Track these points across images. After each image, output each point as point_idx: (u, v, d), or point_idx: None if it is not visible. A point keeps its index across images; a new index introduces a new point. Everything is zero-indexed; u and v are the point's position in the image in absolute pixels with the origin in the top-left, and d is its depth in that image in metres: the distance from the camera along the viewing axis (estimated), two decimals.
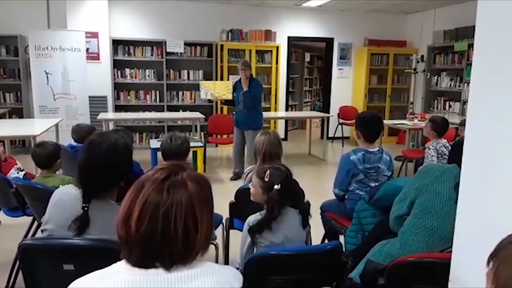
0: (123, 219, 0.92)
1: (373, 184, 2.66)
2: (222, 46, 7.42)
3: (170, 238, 0.90)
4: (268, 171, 1.91)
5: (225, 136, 6.70)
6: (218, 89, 5.40)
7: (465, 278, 1.34)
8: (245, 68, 5.08)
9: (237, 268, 1.87)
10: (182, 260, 0.92)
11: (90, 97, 6.48)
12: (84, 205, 1.52)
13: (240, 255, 1.98)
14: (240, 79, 5.21)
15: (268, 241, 1.87)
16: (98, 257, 1.34)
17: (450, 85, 7.33)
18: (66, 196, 1.60)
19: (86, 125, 3.85)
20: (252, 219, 1.92)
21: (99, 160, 1.57)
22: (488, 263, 0.83)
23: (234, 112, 5.53)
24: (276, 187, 1.86)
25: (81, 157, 1.62)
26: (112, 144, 1.61)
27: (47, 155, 2.69)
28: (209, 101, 6.86)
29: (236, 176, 5.40)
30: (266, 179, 1.89)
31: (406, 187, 1.90)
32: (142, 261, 0.91)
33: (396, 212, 1.87)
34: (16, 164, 3.13)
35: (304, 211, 1.98)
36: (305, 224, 1.97)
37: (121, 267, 0.93)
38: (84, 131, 3.59)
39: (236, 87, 5.32)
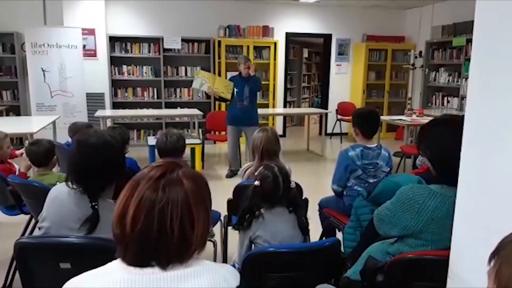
0: (118, 218, 0.91)
1: (371, 180, 2.65)
2: (219, 42, 7.39)
3: (166, 237, 0.89)
4: (261, 168, 1.98)
5: (223, 133, 6.67)
6: (217, 85, 5.21)
7: (464, 274, 1.34)
8: (247, 61, 5.07)
9: (234, 266, 1.87)
10: (178, 259, 0.91)
11: (87, 94, 6.45)
12: (93, 204, 1.51)
13: (238, 254, 1.98)
14: (239, 74, 5.17)
15: (265, 241, 1.87)
16: (95, 255, 1.33)
17: (448, 81, 7.32)
18: (62, 194, 1.59)
19: (83, 123, 3.83)
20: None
21: (92, 157, 1.57)
22: (489, 261, 0.80)
23: (230, 109, 5.35)
24: (256, 183, 1.92)
25: (73, 158, 1.62)
26: (100, 138, 1.61)
27: (43, 153, 2.67)
28: (207, 95, 6.82)
29: (232, 174, 5.38)
30: (256, 173, 1.97)
31: (388, 207, 1.68)
32: (137, 260, 0.90)
33: (385, 233, 1.74)
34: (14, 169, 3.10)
35: (298, 212, 1.96)
36: (303, 230, 1.94)
37: (117, 266, 0.92)
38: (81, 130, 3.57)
39: (235, 83, 5.18)
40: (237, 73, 5.37)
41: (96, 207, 1.51)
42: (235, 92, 5.14)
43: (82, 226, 1.49)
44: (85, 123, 3.90)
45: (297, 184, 2.56)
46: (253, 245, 1.92)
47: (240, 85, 5.14)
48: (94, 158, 1.57)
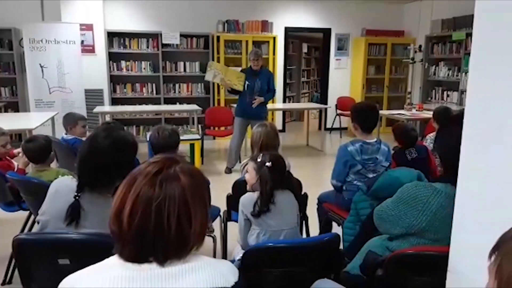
0: (115, 214, 0.91)
1: (371, 175, 2.64)
2: (218, 37, 7.36)
3: (163, 233, 0.88)
4: (261, 154, 2.07)
5: (222, 128, 6.67)
6: (229, 76, 5.12)
7: (464, 269, 1.34)
8: (255, 58, 5.03)
9: (233, 261, 1.88)
10: (176, 255, 0.91)
11: (86, 90, 6.43)
12: (76, 194, 1.51)
13: (240, 237, 2.07)
14: (250, 67, 5.13)
15: (266, 223, 1.94)
16: (93, 251, 1.32)
17: (448, 75, 7.30)
18: (63, 187, 1.59)
19: (76, 114, 3.79)
20: (246, 199, 2.01)
21: (103, 154, 1.56)
22: (489, 257, 0.79)
23: (239, 102, 5.26)
24: (267, 164, 1.97)
25: (83, 148, 1.61)
26: (119, 140, 1.59)
27: (39, 150, 2.65)
28: (206, 91, 6.79)
29: (229, 171, 5.36)
30: (259, 159, 2.02)
31: (390, 206, 1.66)
32: (135, 256, 0.90)
33: (386, 232, 1.73)
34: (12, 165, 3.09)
35: (297, 193, 2.09)
36: (302, 208, 2.09)
37: (114, 262, 0.92)
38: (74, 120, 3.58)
39: (248, 76, 5.09)
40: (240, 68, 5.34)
41: (77, 197, 1.50)
42: (246, 86, 5.07)
43: (65, 216, 1.48)
44: (79, 114, 3.85)
45: (296, 179, 2.56)
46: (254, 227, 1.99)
47: (251, 79, 5.07)
48: (103, 155, 1.56)
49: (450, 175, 1.46)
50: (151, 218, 0.88)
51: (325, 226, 2.89)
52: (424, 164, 2.98)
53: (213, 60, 7.31)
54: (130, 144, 1.63)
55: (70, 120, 3.60)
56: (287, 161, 2.76)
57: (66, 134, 3.57)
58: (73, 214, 1.50)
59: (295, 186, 2.16)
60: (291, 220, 2.00)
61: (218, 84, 5.69)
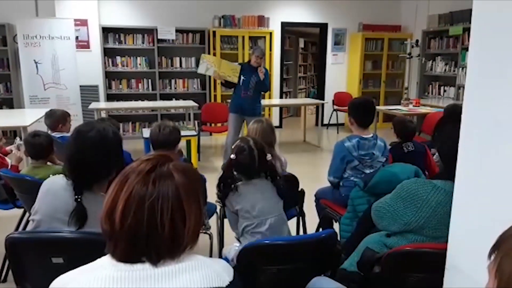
0: (107, 213, 0.88)
1: (368, 171, 2.63)
2: (214, 32, 7.31)
3: (156, 232, 0.86)
4: (238, 141, 2.11)
5: (219, 124, 6.64)
6: (223, 69, 5.06)
7: (462, 266, 1.33)
8: (259, 56, 4.97)
9: (227, 260, 1.86)
10: (169, 255, 0.89)
11: (81, 86, 6.38)
12: (76, 197, 1.48)
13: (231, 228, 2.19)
14: (249, 62, 5.08)
15: (246, 212, 1.99)
16: (87, 250, 1.31)
17: (445, 70, 7.29)
18: (55, 186, 1.56)
19: (60, 111, 3.74)
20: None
21: (89, 150, 1.53)
22: (489, 256, 0.78)
23: (233, 97, 5.22)
24: (232, 156, 2.04)
25: (69, 148, 1.58)
26: (101, 132, 1.57)
27: (46, 145, 2.60)
28: (202, 86, 6.74)
29: None
30: (232, 147, 2.11)
31: (389, 202, 1.65)
32: (127, 256, 0.88)
33: (384, 229, 1.72)
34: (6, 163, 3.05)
35: (275, 181, 2.09)
36: (281, 195, 2.08)
37: (106, 262, 0.90)
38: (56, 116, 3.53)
39: (245, 70, 5.03)
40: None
41: (79, 200, 1.48)
42: (241, 81, 4.99)
43: (71, 220, 1.46)
44: (62, 110, 3.79)
45: (293, 175, 2.55)
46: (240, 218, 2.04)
47: (247, 74, 4.98)
48: (90, 152, 1.54)
49: (450, 172, 1.44)
50: (144, 217, 0.86)
51: (324, 222, 2.88)
52: (420, 158, 2.98)
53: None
54: (113, 133, 1.62)
55: (61, 117, 3.52)
56: (283, 158, 2.75)
57: (51, 132, 3.43)
58: (81, 218, 1.48)
59: (272, 172, 2.12)
60: (274, 208, 2.02)
61: (214, 78, 5.63)
